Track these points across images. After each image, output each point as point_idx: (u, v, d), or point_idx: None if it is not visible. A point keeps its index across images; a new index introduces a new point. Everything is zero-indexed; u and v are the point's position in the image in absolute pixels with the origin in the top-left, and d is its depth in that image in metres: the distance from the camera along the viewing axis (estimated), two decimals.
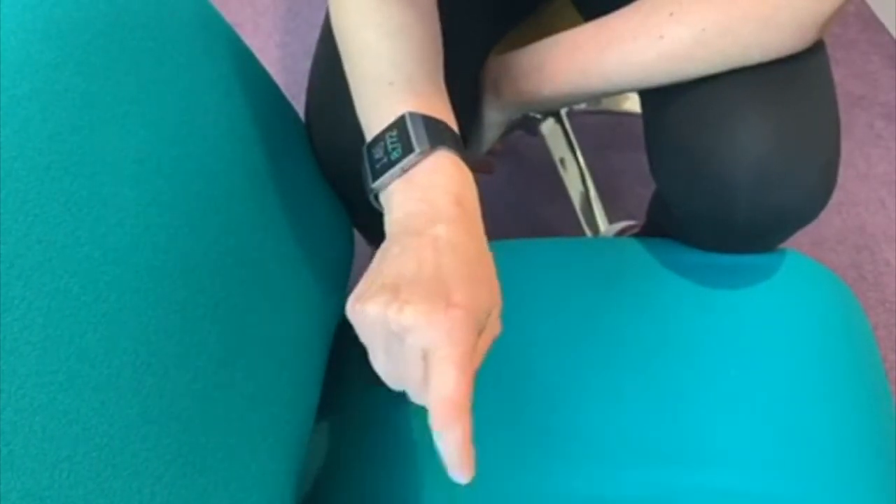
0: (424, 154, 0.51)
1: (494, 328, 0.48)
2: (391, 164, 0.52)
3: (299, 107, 0.71)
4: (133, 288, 0.47)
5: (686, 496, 0.62)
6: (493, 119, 0.74)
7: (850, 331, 0.73)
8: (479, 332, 0.46)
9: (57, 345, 0.42)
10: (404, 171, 0.52)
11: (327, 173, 0.70)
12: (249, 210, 0.59)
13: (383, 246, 0.51)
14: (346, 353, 0.71)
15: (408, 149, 0.51)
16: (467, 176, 0.53)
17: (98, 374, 0.43)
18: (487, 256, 0.50)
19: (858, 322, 0.74)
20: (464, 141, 0.76)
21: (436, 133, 0.52)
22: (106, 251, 0.46)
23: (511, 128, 1.17)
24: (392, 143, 0.52)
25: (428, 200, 0.51)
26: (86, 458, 0.41)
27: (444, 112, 0.54)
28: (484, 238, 0.51)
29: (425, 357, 0.44)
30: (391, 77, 0.54)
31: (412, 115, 0.52)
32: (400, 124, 0.52)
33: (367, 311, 0.46)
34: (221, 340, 0.53)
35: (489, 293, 0.48)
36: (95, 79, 0.49)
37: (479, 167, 0.81)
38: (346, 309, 0.48)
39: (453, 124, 0.54)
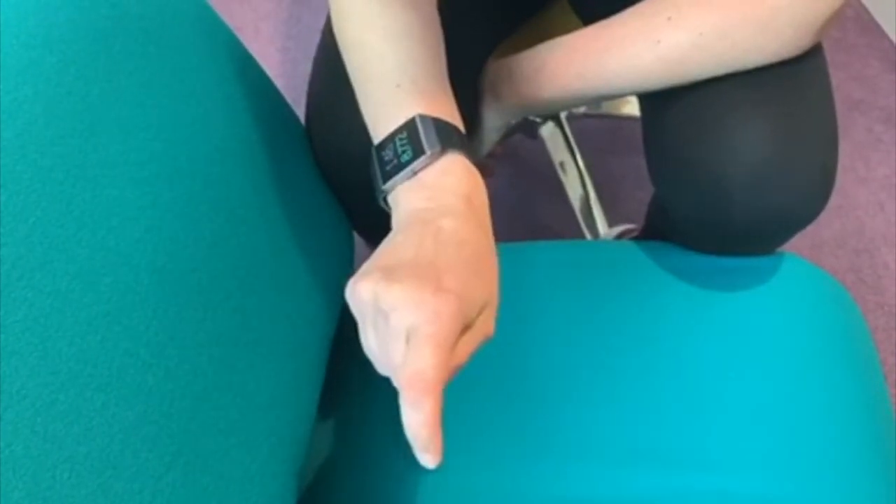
0: (435, 156, 0.51)
1: (486, 327, 0.47)
2: (401, 166, 0.52)
3: (300, 111, 0.71)
4: (134, 290, 0.47)
5: (682, 498, 0.62)
6: (493, 122, 0.74)
7: (848, 334, 0.73)
8: (467, 325, 0.45)
9: (58, 346, 0.42)
10: (415, 173, 0.52)
11: (328, 177, 0.71)
12: (250, 213, 0.60)
13: (389, 237, 0.51)
14: (346, 354, 0.72)
15: (418, 151, 0.51)
16: (476, 177, 0.53)
17: (99, 375, 0.43)
18: (491, 256, 0.50)
19: (856, 325, 0.74)
20: None
21: (445, 135, 0.52)
22: (107, 253, 0.46)
23: (511, 131, 1.17)
24: (402, 145, 0.52)
25: (436, 199, 0.51)
26: (87, 459, 0.41)
27: (451, 114, 0.55)
28: (491, 237, 0.51)
29: (408, 338, 0.44)
30: (398, 79, 0.54)
31: (422, 117, 0.52)
32: (410, 126, 0.53)
33: (358, 288, 0.46)
34: (222, 341, 0.53)
35: (484, 288, 0.48)
36: (97, 83, 0.49)
37: (479, 170, 0.82)
38: (345, 290, 0.49)
39: (461, 126, 0.55)
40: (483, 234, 0.51)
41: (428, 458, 0.43)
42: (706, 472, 0.64)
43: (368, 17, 0.56)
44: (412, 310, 0.44)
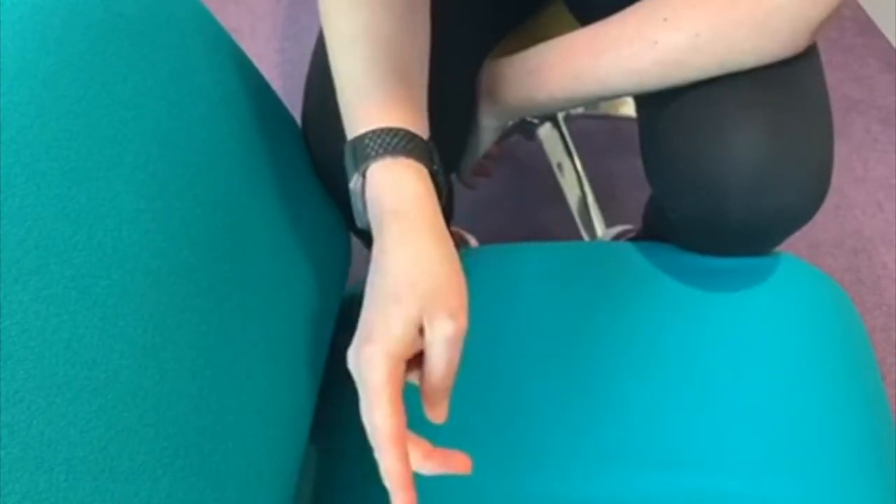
0: (358, 181, 0.53)
1: (445, 326, 0.48)
2: (357, 209, 0.55)
3: (297, 112, 0.71)
4: (130, 292, 0.47)
5: (681, 499, 0.62)
6: (489, 124, 0.74)
7: (846, 334, 0.73)
8: (404, 351, 0.48)
9: (55, 348, 0.42)
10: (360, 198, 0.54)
11: (324, 178, 0.71)
12: (246, 214, 0.60)
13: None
14: (343, 356, 0.71)
15: (349, 181, 0.54)
16: (402, 174, 0.52)
17: (96, 378, 0.43)
18: (430, 256, 0.50)
19: (854, 325, 0.74)
20: (459, 146, 0.76)
21: (359, 152, 0.53)
22: (103, 255, 0.46)
23: (508, 133, 1.17)
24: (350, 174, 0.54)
25: (374, 224, 0.52)
26: (84, 461, 0.41)
27: (396, 116, 0.54)
28: (423, 235, 0.51)
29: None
30: (347, 96, 0.56)
31: (347, 143, 0.54)
32: (346, 154, 0.54)
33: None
34: (218, 344, 0.53)
35: (407, 305, 0.48)
36: (93, 84, 0.49)
37: (477, 171, 0.82)
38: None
39: (404, 111, 0.54)
40: (405, 240, 0.51)
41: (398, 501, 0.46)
42: (703, 472, 0.64)
43: (334, 17, 0.56)
44: (354, 374, 0.49)
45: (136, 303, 0.47)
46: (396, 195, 0.52)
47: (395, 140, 0.52)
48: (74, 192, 0.46)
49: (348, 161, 0.54)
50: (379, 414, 0.46)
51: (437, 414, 0.50)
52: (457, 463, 0.49)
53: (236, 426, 0.53)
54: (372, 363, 0.47)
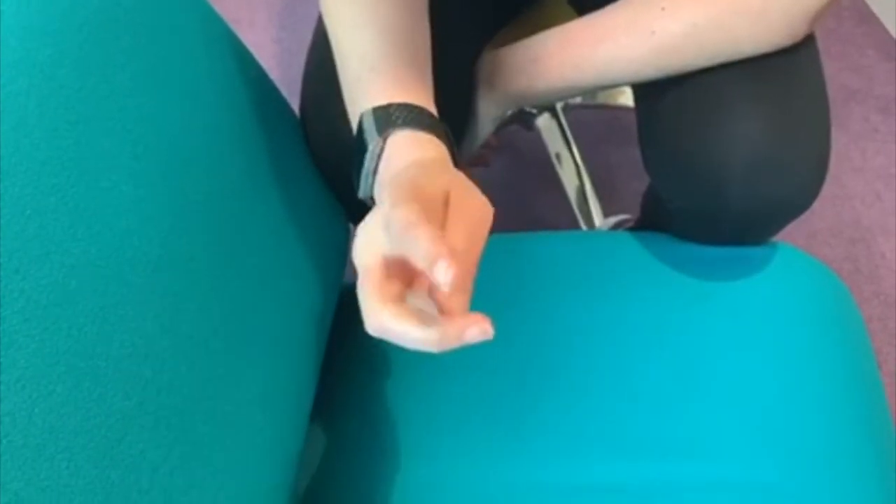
0: (378, 147, 0.51)
1: (480, 197, 0.46)
2: (365, 173, 0.52)
3: (295, 102, 0.71)
4: (129, 280, 0.47)
5: (678, 486, 0.63)
6: (488, 113, 0.74)
7: (843, 323, 0.73)
8: (426, 187, 0.44)
9: (55, 337, 0.42)
10: (373, 174, 0.52)
11: (322, 168, 0.71)
12: (245, 204, 0.60)
13: None
14: (343, 345, 0.72)
15: (364, 150, 0.51)
16: (426, 146, 0.51)
17: (96, 366, 0.44)
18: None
19: (850, 315, 0.74)
20: (457, 135, 0.76)
21: (384, 119, 0.51)
22: (102, 244, 0.46)
23: (507, 122, 1.17)
24: (359, 148, 0.52)
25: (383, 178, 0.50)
26: (84, 449, 0.41)
27: (414, 94, 0.53)
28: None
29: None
30: (356, 73, 0.54)
31: (366, 112, 0.52)
32: (359, 126, 0.53)
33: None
34: (217, 332, 0.53)
35: (447, 166, 0.48)
36: (91, 74, 0.49)
37: (475, 161, 0.82)
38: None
39: (423, 101, 0.53)
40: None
41: (478, 328, 0.40)
42: (699, 460, 0.64)
43: (335, 7, 0.56)
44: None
45: (135, 292, 0.47)
46: (420, 157, 0.50)
47: (422, 117, 0.52)
48: (73, 181, 0.46)
49: (367, 126, 0.52)
50: (406, 206, 0.41)
51: (456, 301, 0.42)
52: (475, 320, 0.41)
53: (236, 414, 0.54)
54: (399, 179, 0.45)
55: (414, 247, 0.39)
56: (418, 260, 0.39)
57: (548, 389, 0.68)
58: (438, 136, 0.52)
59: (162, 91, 0.54)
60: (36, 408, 0.40)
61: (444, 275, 0.38)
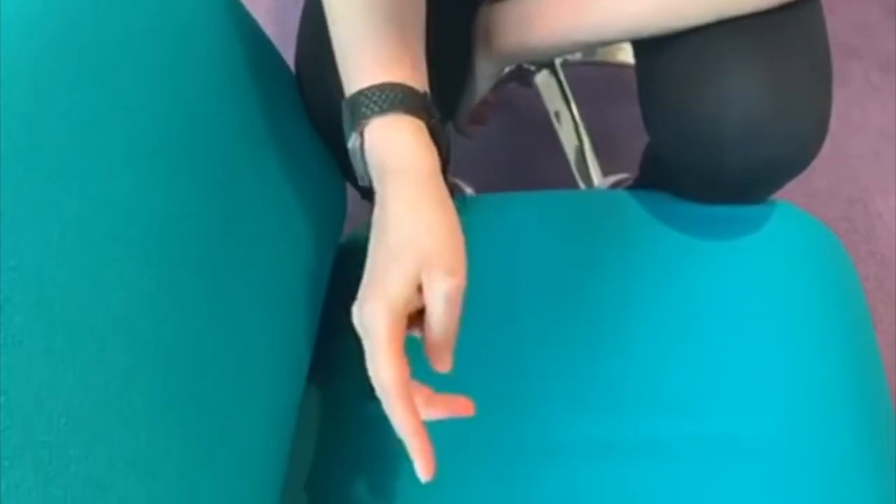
0: (357, 139, 0.53)
1: (443, 284, 0.48)
2: (358, 166, 0.54)
3: (290, 58, 0.70)
4: (125, 237, 0.47)
5: (675, 442, 0.63)
6: (486, 70, 0.73)
7: (838, 282, 0.73)
8: (404, 306, 0.49)
9: (51, 293, 0.42)
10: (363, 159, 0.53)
11: (318, 126, 0.70)
12: (240, 162, 0.59)
13: None
14: (339, 304, 0.72)
15: (348, 139, 0.53)
16: (399, 131, 0.52)
17: (94, 321, 0.44)
18: (417, 219, 0.50)
19: (846, 274, 0.75)
20: (455, 93, 0.76)
21: (355, 108, 0.52)
22: (98, 201, 0.46)
23: (505, 79, 1.16)
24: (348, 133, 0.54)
25: (373, 174, 0.52)
26: (83, 404, 0.42)
27: (402, 73, 0.53)
28: (422, 194, 0.51)
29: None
30: (345, 47, 0.55)
31: (344, 102, 0.53)
32: (343, 113, 0.54)
33: None
34: (215, 289, 0.54)
35: (405, 264, 0.49)
36: (84, 29, 0.49)
37: (474, 118, 0.81)
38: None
39: (402, 66, 0.53)
40: (400, 196, 0.51)
41: (418, 466, 0.48)
42: (696, 416, 0.65)
43: None
44: (359, 331, 0.49)
45: (132, 248, 0.47)
46: (394, 154, 0.52)
47: (391, 96, 0.52)
48: (67, 138, 0.46)
49: (345, 120, 0.53)
50: (384, 366, 0.47)
51: (442, 365, 0.51)
52: (459, 406, 0.50)
53: (234, 369, 0.54)
54: (374, 319, 0.48)
55: (392, 410, 0.48)
56: (394, 423, 0.48)
57: (544, 347, 0.69)
58: (416, 114, 0.52)
59: (154, 46, 0.54)
60: (34, 361, 0.40)
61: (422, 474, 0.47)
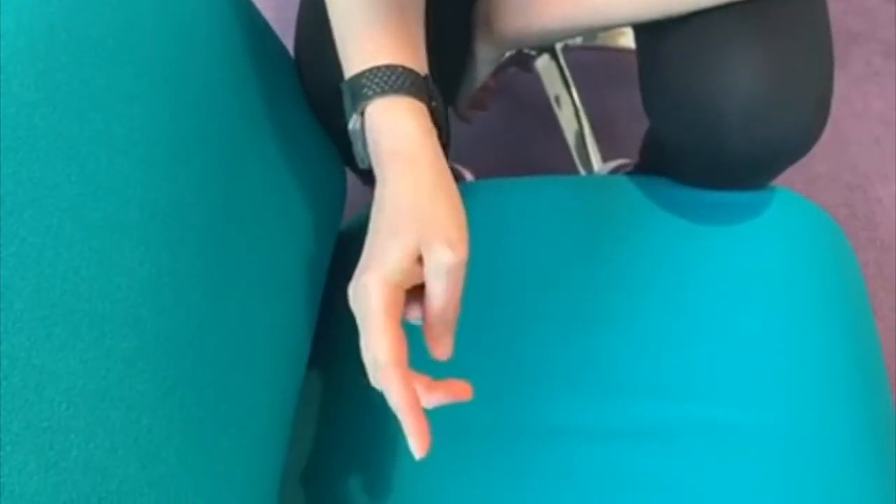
0: (358, 119, 0.52)
1: (443, 256, 0.47)
2: (359, 149, 0.54)
3: (289, 43, 0.70)
4: (126, 222, 0.47)
5: (674, 427, 0.64)
6: (486, 55, 0.73)
7: (838, 268, 0.73)
8: (402, 278, 0.48)
9: (52, 280, 0.42)
10: (363, 140, 0.53)
11: (317, 111, 0.70)
12: (240, 148, 0.59)
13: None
14: (339, 288, 0.72)
15: (348, 121, 0.53)
16: (400, 113, 0.52)
17: (94, 308, 0.44)
18: (418, 191, 0.50)
19: (846, 260, 0.75)
20: (456, 77, 0.75)
21: (357, 90, 0.52)
22: (98, 187, 0.46)
23: (505, 64, 1.16)
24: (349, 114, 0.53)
25: (373, 158, 0.52)
26: (83, 391, 0.42)
27: (402, 55, 0.53)
28: (423, 170, 0.51)
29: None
30: (341, 32, 0.54)
31: (344, 82, 0.53)
32: (343, 95, 0.54)
33: None
34: (216, 275, 0.53)
35: (404, 235, 0.48)
36: (84, 15, 0.48)
37: (474, 103, 0.81)
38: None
39: (401, 48, 0.53)
40: (399, 177, 0.50)
41: (412, 443, 0.46)
42: (695, 402, 0.65)
43: None
44: (353, 307, 0.48)
45: (132, 233, 0.47)
46: (395, 136, 0.51)
47: (393, 78, 0.51)
48: (67, 124, 0.45)
49: (346, 102, 0.53)
50: (379, 343, 0.46)
51: (442, 350, 0.50)
52: (458, 390, 0.49)
53: (234, 356, 0.54)
54: (369, 290, 0.47)
55: (388, 388, 0.46)
56: (391, 402, 0.47)
57: (543, 333, 0.69)
58: (417, 96, 0.52)
59: (154, 31, 0.53)
60: (35, 349, 0.40)
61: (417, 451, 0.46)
